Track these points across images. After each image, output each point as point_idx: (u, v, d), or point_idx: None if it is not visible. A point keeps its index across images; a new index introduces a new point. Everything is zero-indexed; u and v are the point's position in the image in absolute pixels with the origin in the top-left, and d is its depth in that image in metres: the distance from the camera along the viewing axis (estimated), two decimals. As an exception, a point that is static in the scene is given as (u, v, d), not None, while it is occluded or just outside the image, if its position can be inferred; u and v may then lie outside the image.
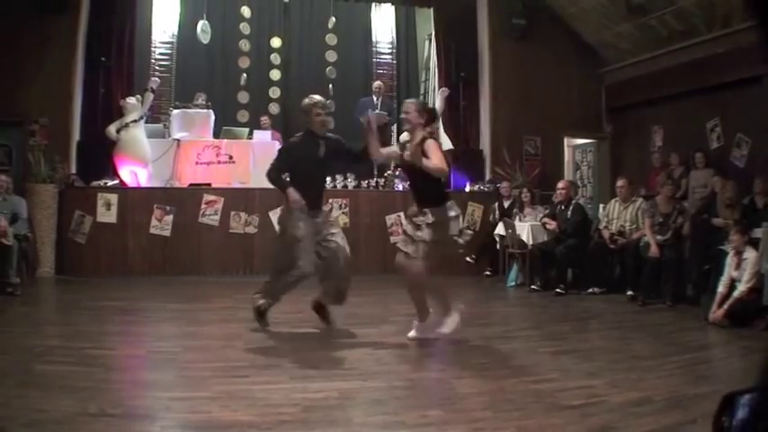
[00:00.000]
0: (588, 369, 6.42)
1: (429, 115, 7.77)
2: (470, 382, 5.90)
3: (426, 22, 17.79)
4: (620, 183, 11.78)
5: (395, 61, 18.85)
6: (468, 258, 12.51)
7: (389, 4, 18.05)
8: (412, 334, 7.52)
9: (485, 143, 15.81)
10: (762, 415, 1.60)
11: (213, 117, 14.64)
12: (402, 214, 11.99)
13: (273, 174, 7.83)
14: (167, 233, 13.09)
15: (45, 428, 4.51)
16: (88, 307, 9.53)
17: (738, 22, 11.56)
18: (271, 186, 13.66)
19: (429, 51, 18.23)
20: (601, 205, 13.57)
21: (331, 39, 17.76)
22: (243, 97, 17.25)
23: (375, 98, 15.90)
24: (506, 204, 13.65)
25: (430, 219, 7.15)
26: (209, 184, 13.55)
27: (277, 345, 7.29)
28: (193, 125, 14.24)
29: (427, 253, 7.16)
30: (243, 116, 16.90)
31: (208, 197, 13.25)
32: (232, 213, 13.29)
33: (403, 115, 7.65)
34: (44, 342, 7.17)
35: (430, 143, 7.24)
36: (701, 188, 11.99)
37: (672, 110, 14.09)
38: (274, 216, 13.17)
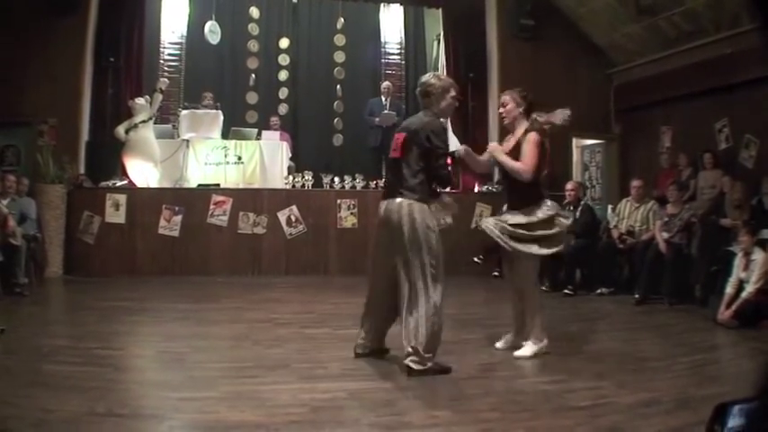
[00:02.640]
0: (596, 370, 6.41)
1: (529, 102, 7.37)
2: (478, 382, 5.90)
3: (435, 22, 17.80)
4: (635, 183, 11.79)
5: (403, 62, 18.85)
6: (475, 259, 12.48)
7: (398, 4, 18.06)
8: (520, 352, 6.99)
9: (493, 144, 15.76)
10: (758, 423, 1.61)
11: (222, 117, 14.64)
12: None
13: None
14: (176, 233, 13.10)
15: (53, 428, 4.52)
16: (96, 307, 9.55)
17: (747, 22, 11.53)
18: (278, 187, 13.84)
19: (437, 52, 18.22)
20: (609, 206, 13.54)
21: (339, 39, 17.81)
22: (252, 98, 17.26)
23: (384, 99, 15.94)
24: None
25: (535, 219, 6.87)
26: (217, 185, 13.58)
27: (285, 345, 7.27)
28: (202, 125, 14.25)
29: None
30: (252, 117, 16.92)
31: (216, 198, 13.26)
32: (240, 214, 13.29)
33: (500, 110, 7.39)
34: (52, 342, 7.19)
35: (529, 138, 6.94)
36: (710, 189, 11.96)
37: (680, 111, 14.05)
38: (283, 216, 13.22)
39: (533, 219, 6.84)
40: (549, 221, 6.89)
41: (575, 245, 11.43)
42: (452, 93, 6.71)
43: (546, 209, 6.92)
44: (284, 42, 17.56)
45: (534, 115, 7.17)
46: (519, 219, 6.86)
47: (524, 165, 6.82)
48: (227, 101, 16.28)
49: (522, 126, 7.12)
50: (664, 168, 13.62)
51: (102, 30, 14.21)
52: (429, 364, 6.07)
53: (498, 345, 7.25)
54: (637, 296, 10.56)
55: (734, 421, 1.66)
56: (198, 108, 14.78)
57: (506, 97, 7.33)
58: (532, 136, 6.92)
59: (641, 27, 13.99)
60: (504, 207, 7.26)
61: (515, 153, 6.96)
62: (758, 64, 10.91)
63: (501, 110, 7.33)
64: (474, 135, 15.85)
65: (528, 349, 6.89)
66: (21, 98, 13.09)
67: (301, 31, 18.12)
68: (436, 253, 6.21)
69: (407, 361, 6.05)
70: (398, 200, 6.29)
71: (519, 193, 7.00)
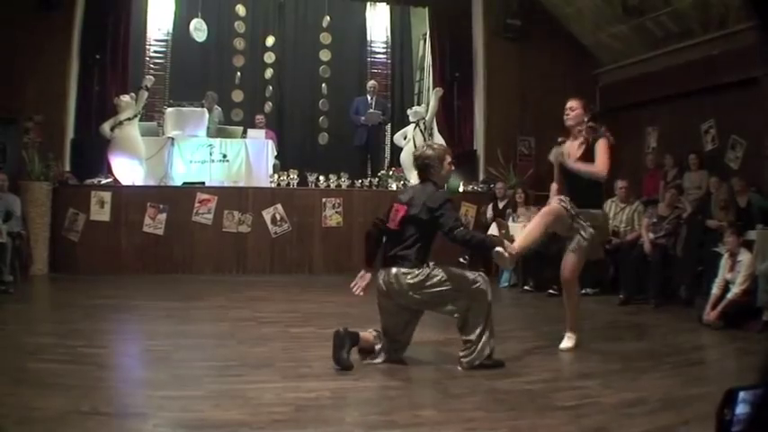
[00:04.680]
0: (581, 370, 6.44)
1: (592, 114, 7.74)
2: (463, 382, 5.90)
3: (421, 21, 17.82)
4: (621, 184, 11.80)
5: (389, 61, 18.87)
6: (460, 259, 12.52)
7: (384, 3, 18.09)
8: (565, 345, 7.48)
9: (479, 143, 15.81)
10: (763, 410, 1.62)
11: (207, 115, 14.60)
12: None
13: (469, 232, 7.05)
14: (161, 231, 13.06)
15: (38, 426, 4.50)
16: (81, 305, 9.50)
17: (734, 23, 11.57)
18: (263, 185, 13.83)
19: (424, 51, 18.27)
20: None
21: (325, 38, 17.76)
22: (237, 96, 17.22)
23: (369, 98, 15.95)
24: (501, 205, 13.64)
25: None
26: (202, 183, 13.54)
27: (269, 344, 7.27)
28: (187, 123, 14.20)
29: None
30: (237, 115, 16.87)
31: (201, 196, 13.22)
32: (225, 212, 13.27)
33: (568, 113, 7.67)
34: (37, 340, 7.16)
35: (602, 144, 7.30)
36: (695, 189, 12.00)
37: (667, 111, 14.09)
38: (268, 215, 13.22)
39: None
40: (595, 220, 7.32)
41: (560, 245, 11.43)
42: (448, 159, 6.85)
43: (601, 211, 7.54)
44: (270, 40, 17.50)
45: (601, 127, 7.56)
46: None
47: (601, 165, 7.19)
48: (212, 98, 16.23)
49: (582, 133, 7.52)
50: (649, 169, 13.65)
51: (88, 27, 14.18)
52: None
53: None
54: (622, 296, 10.60)
55: (741, 408, 1.67)
56: (183, 105, 14.74)
57: (576, 103, 7.67)
58: (604, 142, 7.30)
59: (628, 27, 14.01)
60: None
61: (585, 158, 7.35)
62: (745, 65, 10.97)
63: (569, 112, 7.66)
64: (460, 134, 15.89)
65: (571, 340, 7.43)
66: (6, 95, 13.01)
67: (287, 29, 18.09)
68: (448, 287, 6.36)
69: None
70: (393, 270, 6.37)
71: (584, 193, 7.34)
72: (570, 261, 7.49)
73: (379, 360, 6.49)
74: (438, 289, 6.30)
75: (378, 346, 6.55)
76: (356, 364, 6.34)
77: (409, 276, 6.28)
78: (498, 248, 6.47)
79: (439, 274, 6.33)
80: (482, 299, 6.38)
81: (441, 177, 6.77)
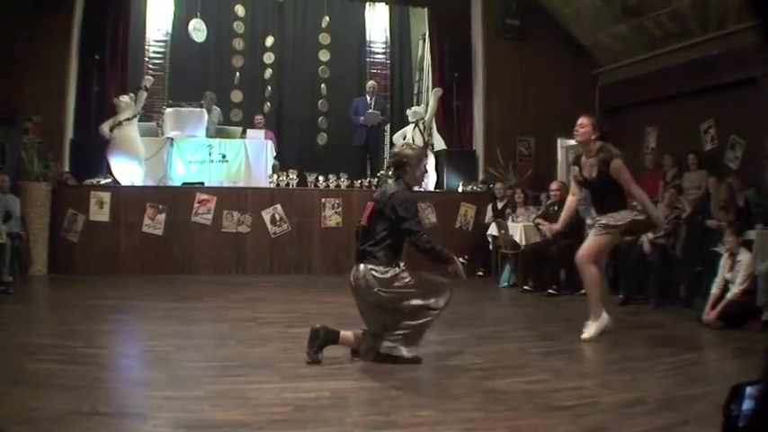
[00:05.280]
0: (580, 370, 6.44)
1: (602, 131, 7.92)
2: (462, 382, 5.90)
3: (420, 22, 17.81)
4: None
5: (389, 61, 18.86)
6: (460, 259, 12.50)
7: (384, 3, 18.07)
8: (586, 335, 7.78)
9: (478, 143, 15.81)
10: (765, 405, 1.63)
11: (206, 116, 14.59)
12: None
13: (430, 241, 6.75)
14: (160, 232, 13.07)
15: (37, 427, 4.50)
16: (81, 305, 9.51)
17: (733, 23, 11.57)
18: (263, 186, 13.84)
19: (423, 51, 18.25)
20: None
21: (325, 38, 17.79)
22: (236, 96, 17.23)
23: (369, 98, 15.95)
24: (500, 205, 13.65)
25: (611, 221, 7.73)
26: (202, 183, 13.54)
27: (269, 344, 7.27)
28: (187, 124, 14.20)
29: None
30: (236, 115, 16.88)
31: (200, 196, 13.23)
32: (225, 212, 13.28)
33: (578, 129, 7.88)
34: (37, 340, 7.16)
35: (618, 165, 7.63)
36: (695, 189, 12.00)
37: (666, 111, 14.09)
38: (267, 215, 13.23)
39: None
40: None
41: (559, 245, 11.43)
42: (425, 162, 7.01)
43: (625, 213, 7.76)
44: (269, 41, 17.52)
45: (609, 146, 7.84)
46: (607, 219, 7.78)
47: (634, 188, 7.78)
48: (211, 99, 16.23)
49: (592, 148, 7.80)
50: (648, 169, 13.63)
51: (87, 27, 14.15)
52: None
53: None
54: (621, 296, 10.57)
55: (747, 404, 1.69)
56: (182, 106, 14.73)
57: (586, 120, 7.90)
58: (618, 163, 7.65)
59: (627, 27, 14.01)
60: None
61: (602, 177, 7.72)
62: (744, 65, 10.96)
63: (578, 129, 7.89)
64: (459, 133, 15.90)
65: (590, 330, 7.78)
66: (6, 95, 12.99)
67: (287, 29, 18.10)
68: (412, 292, 6.47)
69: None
70: (362, 266, 6.47)
71: (609, 200, 7.82)
72: (585, 243, 7.97)
73: (367, 359, 6.52)
74: (404, 291, 6.39)
75: (363, 346, 6.59)
76: (356, 365, 6.35)
77: (378, 273, 6.36)
78: (454, 265, 6.64)
79: (407, 277, 6.43)
80: (434, 307, 6.51)
81: (414, 179, 6.81)
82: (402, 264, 6.54)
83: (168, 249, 13.15)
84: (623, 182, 7.66)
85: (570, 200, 8.31)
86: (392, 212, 6.44)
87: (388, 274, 6.36)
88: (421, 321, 6.46)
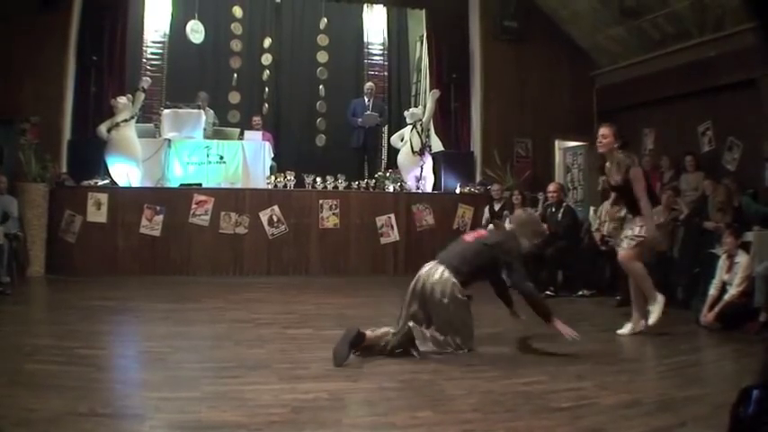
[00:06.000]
0: (578, 371, 6.43)
1: (622, 140, 8.29)
2: (460, 383, 5.89)
3: (418, 23, 17.82)
4: None
5: (386, 62, 18.87)
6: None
7: (381, 5, 18.07)
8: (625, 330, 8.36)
9: (476, 145, 15.84)
10: (765, 406, 1.64)
11: (204, 117, 14.58)
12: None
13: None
14: (157, 233, 13.07)
15: (35, 427, 4.49)
16: (78, 306, 9.50)
17: (731, 25, 11.59)
18: (260, 187, 13.83)
19: (421, 53, 18.28)
20: (591, 208, 13.55)
21: (323, 39, 17.79)
22: (234, 97, 17.24)
23: (366, 99, 15.97)
24: (497, 207, 13.65)
25: (639, 223, 8.12)
26: (199, 185, 13.54)
27: (266, 345, 7.26)
28: (184, 125, 14.19)
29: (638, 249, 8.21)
30: (234, 116, 16.87)
31: (198, 197, 13.23)
32: (222, 214, 13.28)
33: (601, 140, 8.19)
34: (34, 341, 7.14)
35: (635, 174, 8.03)
36: (692, 191, 12.01)
37: (663, 113, 14.11)
38: (265, 216, 13.23)
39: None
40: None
41: (557, 246, 11.45)
42: (535, 241, 7.80)
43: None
44: (267, 42, 17.53)
45: (630, 155, 8.31)
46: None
47: (643, 201, 8.06)
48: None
49: (614, 157, 8.22)
50: (645, 171, 13.62)
51: (85, 28, 14.16)
52: None
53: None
54: (618, 298, 10.56)
55: (753, 407, 1.70)
56: (180, 107, 14.72)
57: (608, 131, 8.21)
58: (636, 171, 8.08)
59: (625, 29, 14.04)
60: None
61: (624, 186, 8.16)
62: (742, 67, 10.99)
63: (601, 140, 8.24)
64: (457, 135, 15.91)
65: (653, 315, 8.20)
66: (3, 96, 13.00)
67: (284, 30, 18.11)
68: (455, 317, 6.95)
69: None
70: (442, 269, 6.96)
71: (634, 205, 8.19)
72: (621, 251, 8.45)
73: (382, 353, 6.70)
74: (455, 312, 6.88)
75: (383, 343, 6.72)
76: (355, 365, 6.35)
77: (455, 283, 6.83)
78: (554, 323, 7.18)
79: (462, 305, 6.90)
80: (458, 345, 6.95)
81: (526, 244, 7.40)
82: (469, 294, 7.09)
83: (166, 250, 13.14)
84: (636, 190, 7.97)
85: (606, 206, 9.21)
86: (491, 251, 7.15)
87: (459, 293, 6.92)
88: (443, 340, 6.87)
